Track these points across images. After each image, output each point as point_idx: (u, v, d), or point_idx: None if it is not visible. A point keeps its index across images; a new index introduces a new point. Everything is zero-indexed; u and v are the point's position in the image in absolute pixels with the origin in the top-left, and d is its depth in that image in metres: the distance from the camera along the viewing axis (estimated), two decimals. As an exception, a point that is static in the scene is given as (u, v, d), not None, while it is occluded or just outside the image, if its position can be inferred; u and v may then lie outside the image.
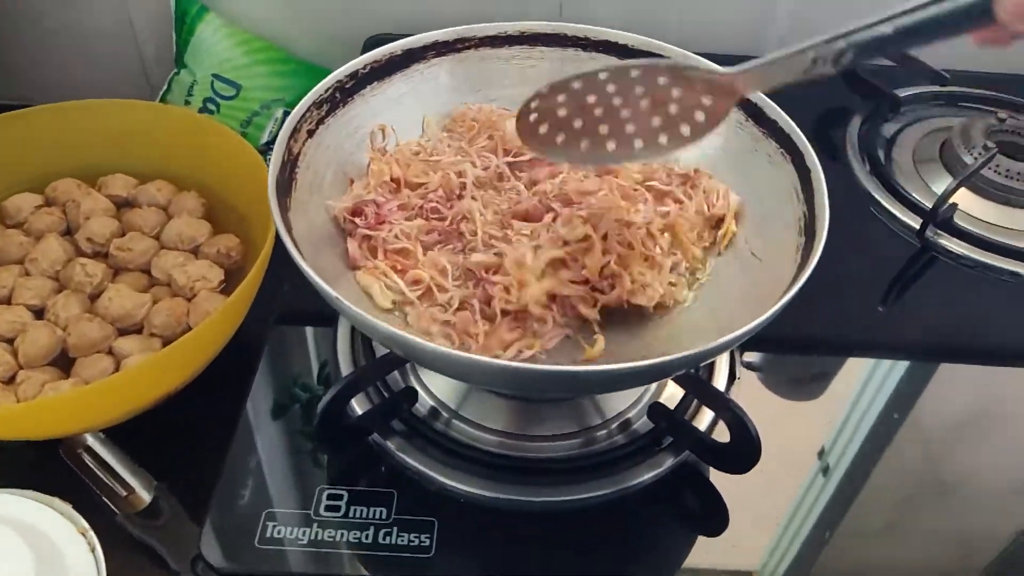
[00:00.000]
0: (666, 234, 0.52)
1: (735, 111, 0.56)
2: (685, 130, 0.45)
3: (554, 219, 0.51)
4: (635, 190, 0.54)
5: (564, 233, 0.49)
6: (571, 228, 0.49)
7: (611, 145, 0.46)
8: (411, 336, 0.40)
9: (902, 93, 0.82)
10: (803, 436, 0.58)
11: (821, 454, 0.56)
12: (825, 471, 0.55)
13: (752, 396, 0.58)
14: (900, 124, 0.82)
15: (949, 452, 0.58)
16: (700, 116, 0.45)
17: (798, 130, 0.52)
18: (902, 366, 0.63)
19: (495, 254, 0.50)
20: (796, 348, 0.63)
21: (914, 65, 0.80)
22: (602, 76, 0.46)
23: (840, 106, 0.83)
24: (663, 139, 0.46)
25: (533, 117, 0.47)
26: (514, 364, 0.41)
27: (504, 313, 0.48)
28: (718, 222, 0.55)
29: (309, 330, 0.63)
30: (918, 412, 0.59)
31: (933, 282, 0.69)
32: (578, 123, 0.46)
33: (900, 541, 0.53)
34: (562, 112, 0.47)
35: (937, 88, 0.83)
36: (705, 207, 0.54)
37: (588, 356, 0.48)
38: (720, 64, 0.56)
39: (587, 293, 0.50)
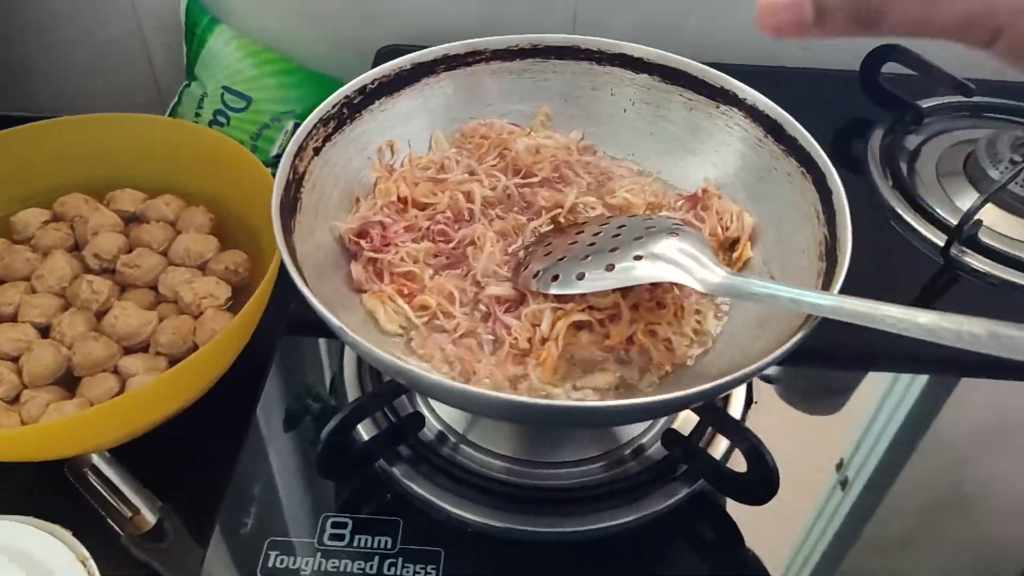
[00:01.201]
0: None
1: (753, 127, 0.54)
2: None
3: None
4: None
5: (592, 299, 0.46)
6: (601, 296, 0.47)
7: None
8: (415, 368, 0.39)
9: (925, 104, 0.80)
10: (821, 449, 0.56)
11: (840, 467, 0.55)
12: (844, 484, 0.54)
13: (768, 408, 0.57)
14: (923, 136, 0.80)
15: (970, 465, 0.56)
16: None
17: (819, 148, 0.50)
18: (922, 379, 0.60)
19: (512, 288, 0.48)
20: (815, 362, 0.61)
21: (937, 75, 0.77)
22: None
23: (861, 117, 0.81)
24: None
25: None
26: (515, 397, 0.39)
27: (511, 346, 0.46)
28: (732, 244, 0.53)
29: (321, 340, 0.62)
30: (939, 425, 0.57)
31: (956, 301, 0.66)
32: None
33: (920, 555, 0.51)
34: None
35: (962, 98, 0.79)
36: (719, 229, 0.52)
37: (596, 385, 0.47)
38: (740, 77, 0.55)
39: (606, 357, 0.47)
